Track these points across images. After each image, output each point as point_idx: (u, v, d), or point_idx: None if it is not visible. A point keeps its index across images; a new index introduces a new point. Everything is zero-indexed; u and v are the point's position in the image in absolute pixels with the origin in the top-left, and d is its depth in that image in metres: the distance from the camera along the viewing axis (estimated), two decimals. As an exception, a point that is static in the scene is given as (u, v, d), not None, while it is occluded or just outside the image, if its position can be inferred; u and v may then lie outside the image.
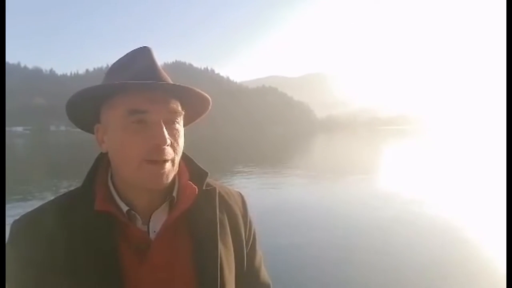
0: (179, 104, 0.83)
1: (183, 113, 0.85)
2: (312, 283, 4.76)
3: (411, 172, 15.72)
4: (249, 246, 0.99)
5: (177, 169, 0.86)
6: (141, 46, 0.86)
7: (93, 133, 0.88)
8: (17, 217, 0.84)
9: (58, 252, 0.78)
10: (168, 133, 0.79)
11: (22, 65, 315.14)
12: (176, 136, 0.82)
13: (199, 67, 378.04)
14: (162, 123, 0.78)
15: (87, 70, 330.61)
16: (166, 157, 0.79)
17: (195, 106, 0.89)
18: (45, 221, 0.82)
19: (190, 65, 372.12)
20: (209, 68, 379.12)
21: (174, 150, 0.82)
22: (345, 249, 5.94)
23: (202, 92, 0.85)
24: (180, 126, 0.84)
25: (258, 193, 11.12)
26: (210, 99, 0.89)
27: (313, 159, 26.83)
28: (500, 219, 6.98)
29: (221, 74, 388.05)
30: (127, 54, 0.86)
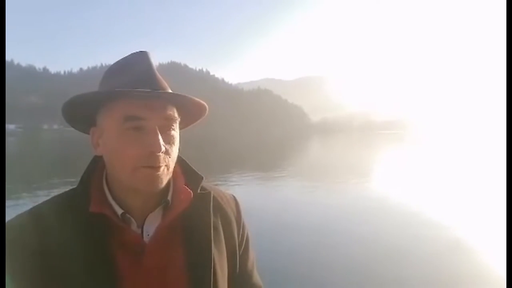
0: (175, 111, 0.84)
1: (179, 119, 0.86)
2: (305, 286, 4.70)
3: (408, 177, 15.70)
4: (242, 249, 1.00)
5: (171, 173, 0.87)
6: (138, 49, 0.87)
7: (87, 133, 0.88)
8: (10, 217, 0.83)
9: (53, 253, 0.78)
10: (163, 140, 0.80)
11: (16, 62, 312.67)
12: (171, 142, 0.84)
13: (195, 68, 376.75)
14: (157, 131, 0.79)
15: (81, 69, 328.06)
16: (161, 163, 0.80)
17: (191, 112, 0.90)
18: (40, 221, 0.82)
19: (186, 66, 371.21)
20: (204, 70, 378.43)
21: (169, 156, 0.83)
22: (339, 254, 5.86)
23: (199, 100, 0.87)
24: (175, 133, 0.85)
25: (251, 196, 10.99)
26: (206, 106, 0.90)
27: (308, 163, 26.76)
28: (494, 215, 6.98)
29: (216, 75, 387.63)
30: (125, 57, 0.87)
